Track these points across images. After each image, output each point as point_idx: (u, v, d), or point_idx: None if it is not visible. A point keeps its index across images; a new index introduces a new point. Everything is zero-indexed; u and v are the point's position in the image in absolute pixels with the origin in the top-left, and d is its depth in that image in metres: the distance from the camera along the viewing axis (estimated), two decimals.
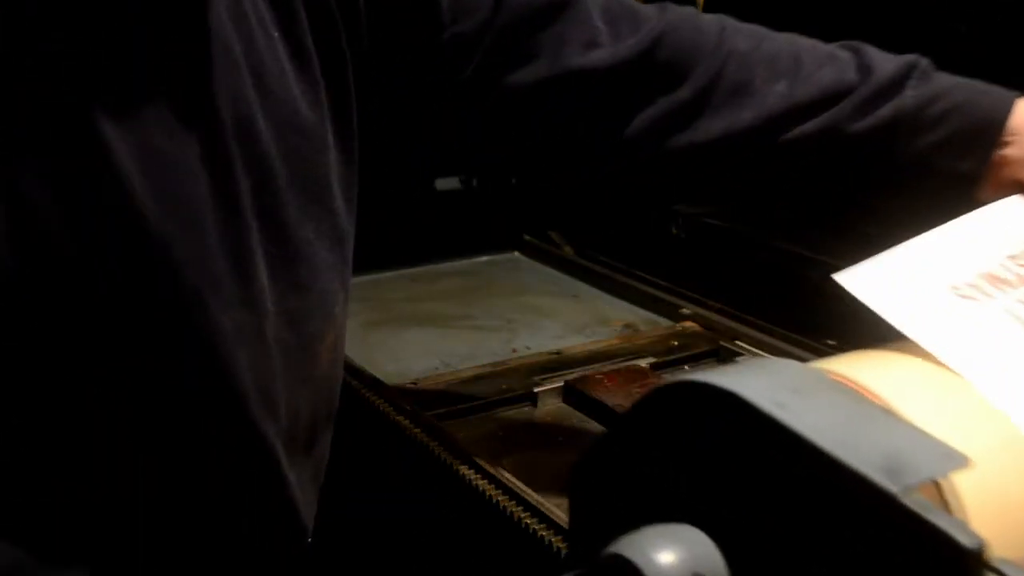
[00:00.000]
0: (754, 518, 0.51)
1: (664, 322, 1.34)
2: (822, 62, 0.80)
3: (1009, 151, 0.76)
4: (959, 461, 0.49)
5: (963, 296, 0.70)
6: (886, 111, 0.77)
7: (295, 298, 0.74)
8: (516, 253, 1.58)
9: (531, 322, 1.36)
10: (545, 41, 0.81)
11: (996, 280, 0.72)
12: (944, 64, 0.82)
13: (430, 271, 1.51)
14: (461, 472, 0.92)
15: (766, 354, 1.18)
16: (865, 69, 0.79)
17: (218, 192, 0.67)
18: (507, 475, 0.91)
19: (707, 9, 1.42)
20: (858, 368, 0.58)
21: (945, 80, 0.79)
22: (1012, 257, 0.74)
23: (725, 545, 0.52)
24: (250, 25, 0.71)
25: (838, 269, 0.70)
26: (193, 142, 0.66)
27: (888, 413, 0.53)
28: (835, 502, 0.48)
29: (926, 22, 1.15)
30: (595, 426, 1.05)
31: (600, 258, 1.51)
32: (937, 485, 0.53)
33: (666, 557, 0.50)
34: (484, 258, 1.56)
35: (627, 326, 1.35)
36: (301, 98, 0.75)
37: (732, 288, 1.03)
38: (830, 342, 1.19)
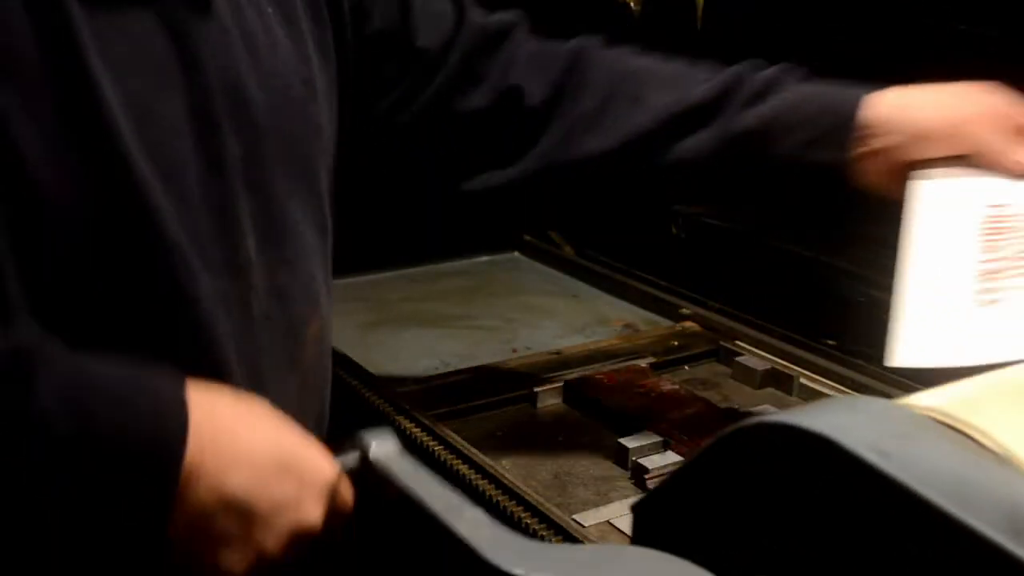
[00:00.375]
0: (847, 573, 0.46)
1: (664, 322, 1.34)
2: (701, 77, 0.90)
3: (875, 142, 0.84)
4: None
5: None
6: (753, 117, 0.87)
7: (282, 274, 0.76)
8: (516, 253, 1.58)
9: (531, 322, 1.36)
10: (493, 66, 0.90)
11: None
12: (945, 64, 0.82)
13: (430, 271, 1.51)
14: (461, 472, 0.92)
15: (766, 354, 1.18)
16: (736, 82, 0.89)
17: (203, 151, 0.69)
18: (507, 475, 0.91)
19: (707, 9, 1.42)
20: (966, 407, 0.52)
21: (806, 88, 0.88)
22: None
23: None
24: None
25: (838, 269, 0.72)
26: (178, 97, 0.68)
27: (1007, 462, 0.48)
28: (951, 566, 0.42)
29: (926, 22, 1.15)
30: (595, 426, 1.06)
31: (600, 258, 1.51)
32: None
33: None
34: (484, 258, 1.56)
35: (627, 326, 1.35)
36: (294, 73, 0.78)
37: (732, 288, 1.03)
38: (830, 342, 1.19)
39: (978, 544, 0.41)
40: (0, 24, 0.61)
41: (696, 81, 0.90)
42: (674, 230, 1.48)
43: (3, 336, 0.60)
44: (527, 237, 1.61)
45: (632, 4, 1.51)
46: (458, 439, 0.97)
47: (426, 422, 1.00)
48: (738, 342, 1.22)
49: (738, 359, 1.18)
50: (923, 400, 0.54)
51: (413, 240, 1.52)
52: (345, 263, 1.42)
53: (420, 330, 1.32)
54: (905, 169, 0.85)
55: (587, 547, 0.63)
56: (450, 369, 1.18)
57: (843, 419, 0.48)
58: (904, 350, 0.79)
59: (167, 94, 0.68)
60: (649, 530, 0.57)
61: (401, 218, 1.36)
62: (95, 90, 0.64)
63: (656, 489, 0.58)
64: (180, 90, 0.69)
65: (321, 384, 0.85)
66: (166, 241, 0.67)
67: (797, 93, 0.88)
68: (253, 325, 0.74)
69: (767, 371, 1.14)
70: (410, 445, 0.99)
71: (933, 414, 0.52)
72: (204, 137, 0.70)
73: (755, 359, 1.17)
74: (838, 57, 1.17)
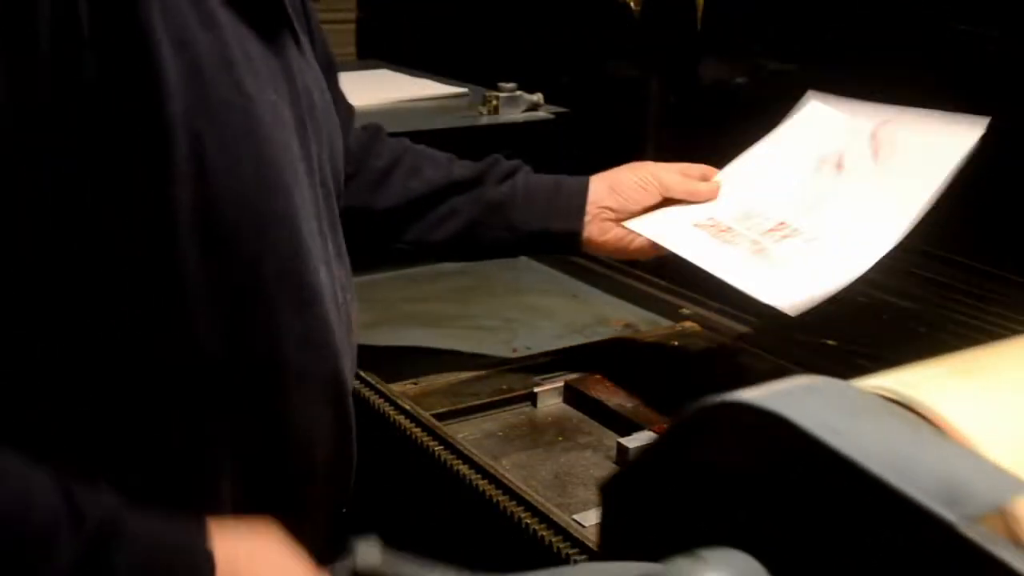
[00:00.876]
0: (805, 544, 0.49)
1: (664, 322, 1.34)
2: (464, 162, 1.13)
3: (600, 212, 1.10)
4: (1019, 488, 0.47)
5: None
6: (502, 191, 1.10)
7: (340, 265, 0.85)
8: None
9: (531, 322, 1.36)
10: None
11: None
12: (944, 64, 0.82)
13: (430, 271, 1.51)
14: (461, 472, 0.92)
15: (766, 354, 1.18)
16: (490, 164, 1.12)
17: (303, 154, 0.78)
18: (507, 475, 0.91)
19: (707, 10, 1.42)
20: (915, 388, 0.56)
21: (542, 175, 1.13)
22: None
23: (774, 570, 0.50)
24: None
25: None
26: (286, 103, 0.77)
27: (947, 438, 0.52)
28: (892, 532, 0.46)
29: (926, 22, 1.15)
30: (595, 426, 1.06)
31: (600, 258, 1.51)
32: (1004, 514, 0.49)
33: None
34: None
35: (627, 326, 1.35)
36: (319, 79, 0.87)
37: (732, 288, 1.03)
38: (830, 342, 1.19)
39: (917, 512, 0.44)
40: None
41: (460, 164, 1.12)
42: None
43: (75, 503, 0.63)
44: None
45: (632, 4, 1.51)
46: (458, 439, 0.97)
47: (426, 422, 1.00)
48: (738, 342, 1.22)
49: (736, 358, 1.18)
50: (877, 380, 0.57)
51: None
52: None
53: (420, 330, 1.32)
54: (618, 231, 1.10)
55: None
56: (450, 369, 1.18)
57: (799, 398, 0.51)
58: (644, 222, 1.08)
59: (283, 101, 0.77)
60: (617, 511, 0.60)
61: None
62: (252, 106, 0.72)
63: (623, 470, 0.61)
64: (287, 96, 0.77)
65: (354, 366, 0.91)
66: (302, 241, 0.75)
67: (536, 176, 1.12)
68: (339, 312, 0.82)
69: (766, 371, 1.14)
70: (410, 445, 0.99)
71: (884, 393, 0.55)
72: (302, 139, 0.78)
73: (754, 359, 1.17)
74: (838, 57, 1.17)
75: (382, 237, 1.11)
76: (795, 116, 1.13)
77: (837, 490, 0.47)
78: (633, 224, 1.09)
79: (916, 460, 0.47)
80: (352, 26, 3.15)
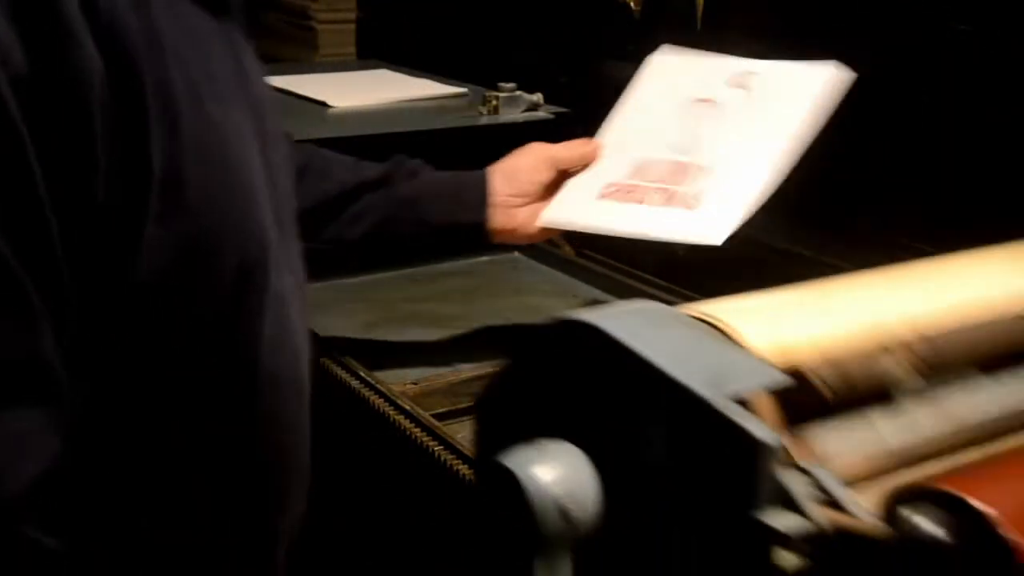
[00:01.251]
0: (616, 432, 0.61)
1: None
2: (370, 164, 1.18)
3: (503, 200, 1.16)
4: (776, 377, 0.60)
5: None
6: (409, 188, 1.16)
7: (299, 266, 0.85)
8: (516, 253, 1.58)
9: (532, 322, 1.35)
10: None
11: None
12: (945, 64, 0.82)
13: (430, 271, 1.51)
14: (461, 472, 0.92)
15: None
16: (396, 164, 1.18)
17: (264, 163, 0.78)
18: None
19: (707, 9, 1.42)
20: (718, 308, 0.67)
21: (444, 172, 1.19)
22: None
23: (596, 457, 0.61)
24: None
25: (841, 270, 0.73)
26: (244, 111, 0.76)
27: (729, 343, 0.63)
28: (672, 410, 0.58)
29: (926, 22, 1.15)
30: None
31: (600, 258, 1.51)
32: (777, 401, 0.60)
33: (542, 469, 0.60)
34: (484, 258, 1.55)
35: None
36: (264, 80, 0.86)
37: (732, 288, 1.03)
38: None
39: (685, 393, 0.56)
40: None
41: (367, 165, 1.18)
42: None
43: None
44: None
45: (632, 4, 1.51)
46: (458, 439, 0.97)
47: (426, 422, 1.00)
48: None
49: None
50: (698, 305, 0.68)
51: None
52: (345, 263, 1.43)
53: (420, 330, 1.32)
54: (524, 215, 1.16)
55: None
56: (450, 369, 1.18)
57: (615, 313, 0.64)
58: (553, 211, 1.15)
59: (242, 112, 0.75)
60: (487, 423, 0.70)
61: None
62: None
63: (489, 384, 0.69)
64: (244, 104, 0.76)
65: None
66: (269, 244, 0.75)
67: (439, 174, 1.18)
68: (301, 315, 0.82)
69: None
70: (410, 445, 0.99)
71: (691, 312, 0.66)
72: (261, 150, 0.77)
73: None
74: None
75: (301, 239, 1.13)
76: (647, 69, 1.20)
77: (636, 384, 0.59)
78: (544, 217, 1.15)
79: (695, 357, 0.59)
80: (352, 26, 3.15)
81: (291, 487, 0.82)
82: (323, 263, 1.35)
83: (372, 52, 2.45)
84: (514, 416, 0.66)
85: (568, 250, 1.58)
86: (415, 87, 1.79)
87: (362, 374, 1.10)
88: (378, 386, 1.07)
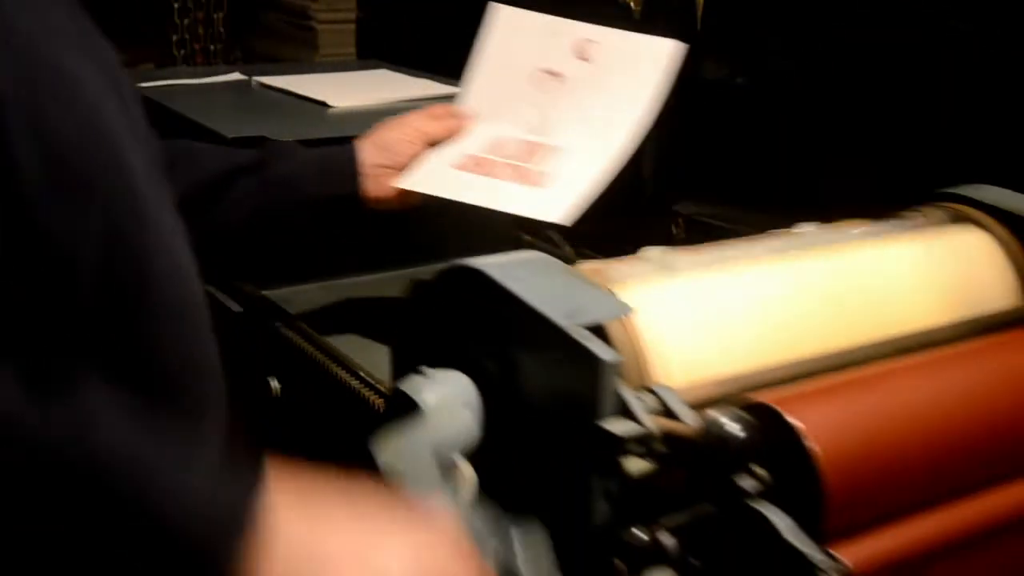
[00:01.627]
0: (496, 359, 0.73)
1: None
2: (243, 150, 1.22)
3: (372, 172, 1.19)
4: (625, 309, 0.72)
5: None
6: (283, 168, 1.18)
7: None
8: None
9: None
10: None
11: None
12: (945, 63, 0.82)
13: (430, 271, 1.50)
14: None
15: None
16: (269, 148, 1.22)
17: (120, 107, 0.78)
18: None
19: (707, 10, 1.42)
20: (602, 264, 0.82)
21: (314, 150, 1.22)
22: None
23: (482, 383, 0.74)
24: None
25: None
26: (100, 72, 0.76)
27: (592, 283, 0.75)
28: (536, 338, 0.70)
29: (926, 22, 1.15)
30: None
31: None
32: (640, 349, 0.73)
33: (431, 392, 0.72)
34: None
35: None
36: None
37: None
38: None
39: (545, 322, 0.69)
40: None
41: (239, 151, 1.22)
42: (674, 230, 1.48)
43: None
44: (527, 237, 1.60)
45: (632, 4, 1.52)
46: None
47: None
48: None
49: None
50: (589, 263, 0.82)
51: (413, 240, 1.52)
52: (345, 263, 1.43)
53: None
54: (392, 184, 1.20)
55: None
56: None
57: (498, 260, 0.75)
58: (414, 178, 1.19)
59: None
60: (400, 357, 0.82)
61: (402, 218, 1.36)
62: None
63: (399, 324, 0.83)
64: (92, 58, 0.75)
65: None
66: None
67: (308, 151, 1.22)
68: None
69: None
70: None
71: (579, 266, 0.80)
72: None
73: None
74: (837, 57, 1.17)
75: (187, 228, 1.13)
76: (491, 28, 1.26)
77: (510, 317, 0.71)
78: (403, 183, 1.20)
79: (560, 295, 0.71)
80: (352, 26, 3.15)
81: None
82: (323, 263, 1.36)
83: (372, 52, 2.45)
84: (419, 350, 0.79)
85: (568, 250, 1.58)
86: (415, 87, 1.79)
87: (362, 374, 1.10)
88: (378, 386, 1.07)
